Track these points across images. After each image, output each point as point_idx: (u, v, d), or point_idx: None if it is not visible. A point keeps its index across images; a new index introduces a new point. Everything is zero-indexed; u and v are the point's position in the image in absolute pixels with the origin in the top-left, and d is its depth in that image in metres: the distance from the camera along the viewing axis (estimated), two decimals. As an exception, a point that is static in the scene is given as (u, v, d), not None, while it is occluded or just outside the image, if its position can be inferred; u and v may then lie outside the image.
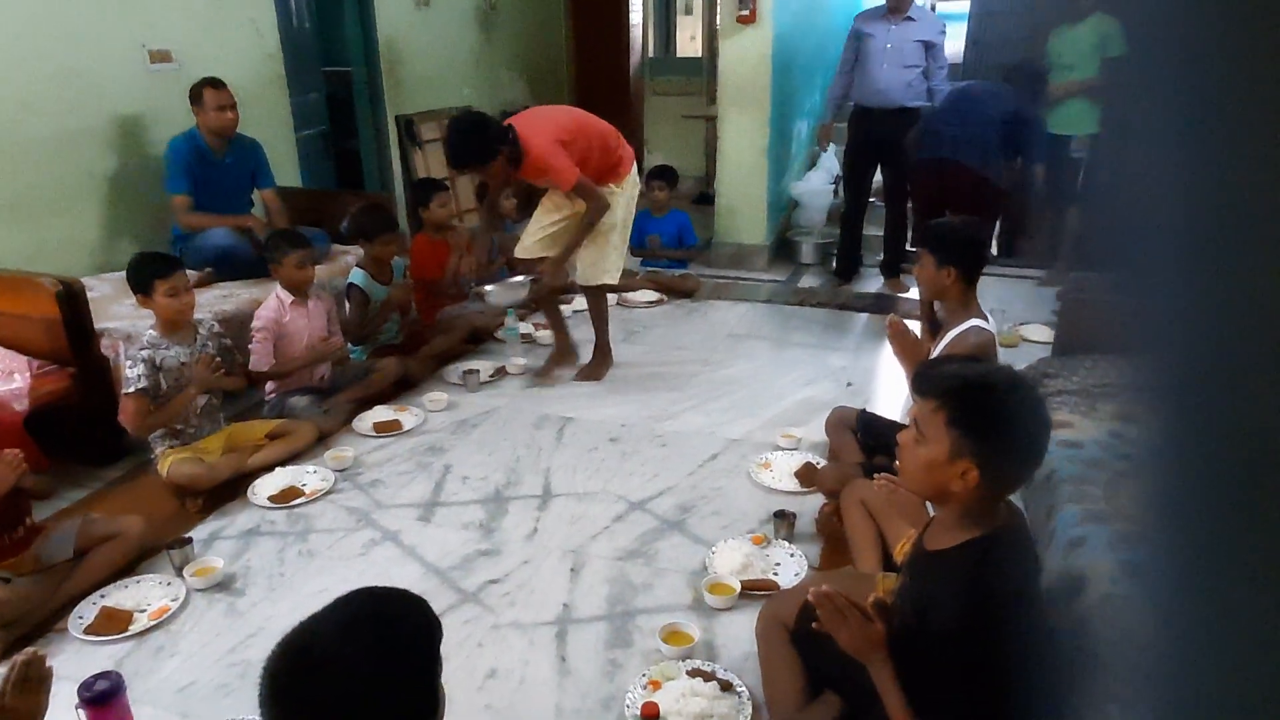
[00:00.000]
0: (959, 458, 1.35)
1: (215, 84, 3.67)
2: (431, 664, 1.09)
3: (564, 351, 3.73)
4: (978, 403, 1.37)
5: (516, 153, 3.06)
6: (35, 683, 1.47)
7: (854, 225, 4.84)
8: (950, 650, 1.36)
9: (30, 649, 1.50)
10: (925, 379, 1.46)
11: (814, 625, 1.46)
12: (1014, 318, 4.14)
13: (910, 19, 4.33)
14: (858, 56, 4.45)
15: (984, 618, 1.33)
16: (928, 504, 2.09)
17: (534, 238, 3.47)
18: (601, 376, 3.62)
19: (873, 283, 4.96)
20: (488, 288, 3.50)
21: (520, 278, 3.60)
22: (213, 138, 3.71)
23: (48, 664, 1.50)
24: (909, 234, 4.66)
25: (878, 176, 4.89)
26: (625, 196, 3.40)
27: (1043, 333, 3.91)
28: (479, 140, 3.03)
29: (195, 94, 3.66)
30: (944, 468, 1.36)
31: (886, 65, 4.36)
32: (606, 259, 3.42)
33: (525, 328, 4.16)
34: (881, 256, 4.86)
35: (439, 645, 1.11)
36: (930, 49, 4.35)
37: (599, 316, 3.65)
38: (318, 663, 1.02)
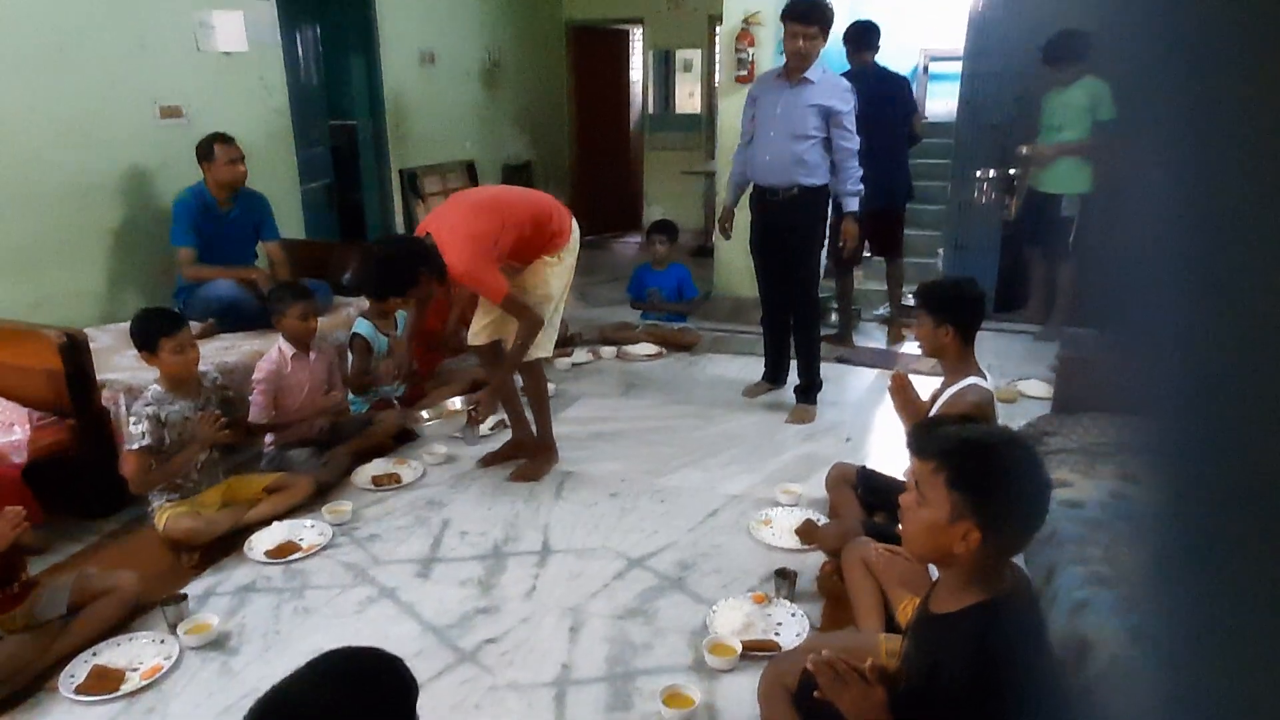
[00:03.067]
0: (960, 519, 1.34)
1: (224, 139, 3.74)
2: None
3: (525, 443, 3.36)
4: (978, 464, 1.37)
5: (439, 266, 2.81)
6: None
7: (776, 324, 3.96)
8: (958, 717, 1.35)
9: None
10: (924, 439, 1.47)
11: (815, 694, 1.45)
12: (1011, 373, 4.16)
13: (808, 81, 3.47)
14: (755, 127, 3.64)
15: (992, 684, 1.31)
16: (930, 568, 2.08)
17: (481, 323, 3.23)
18: (541, 476, 3.23)
19: (868, 338, 4.99)
20: (424, 414, 3.23)
21: (458, 400, 3.35)
22: (220, 191, 3.77)
23: None
24: (819, 347, 3.86)
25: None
26: (564, 266, 3.11)
27: (1041, 388, 3.92)
28: (397, 270, 2.81)
29: (204, 149, 3.72)
30: (946, 530, 1.36)
31: (774, 134, 3.54)
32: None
33: (525, 380, 4.17)
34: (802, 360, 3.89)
35: (415, 704, 1.12)
36: (832, 116, 3.47)
37: (537, 400, 3.31)
38: None
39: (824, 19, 3.41)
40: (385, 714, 1.09)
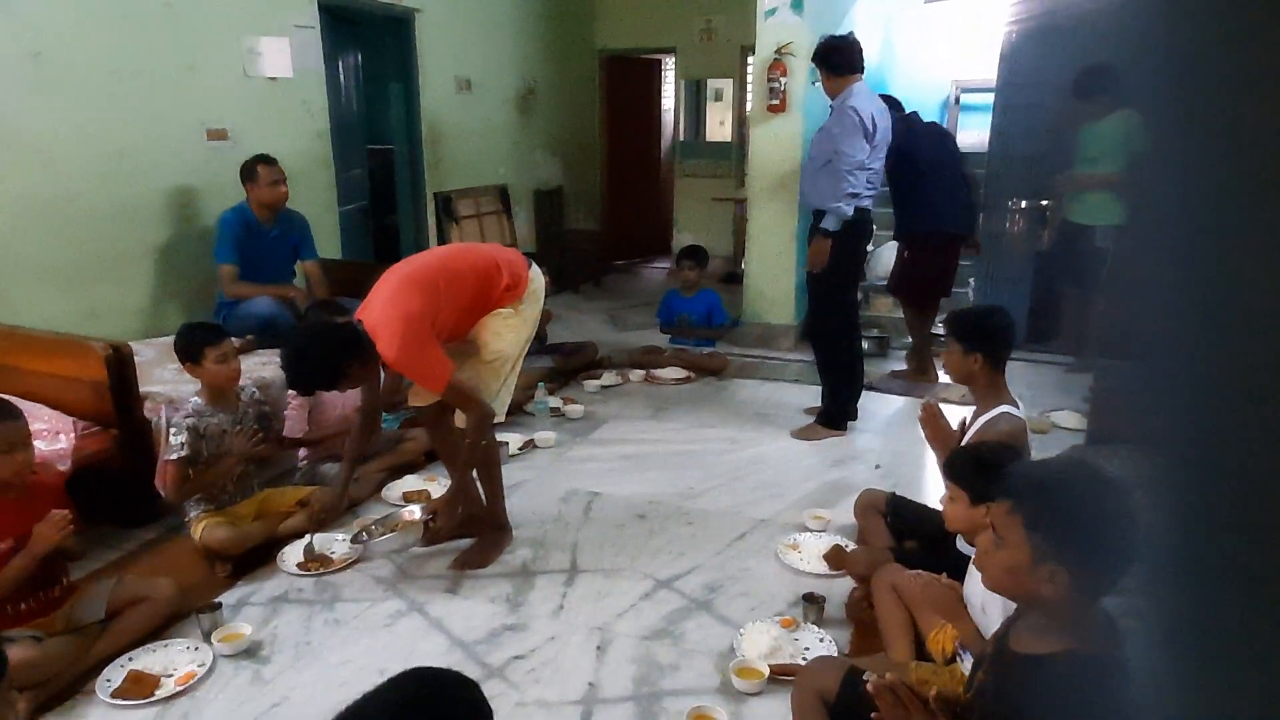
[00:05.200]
0: (1044, 561, 1.27)
1: (268, 160, 3.85)
2: None
3: (475, 519, 2.89)
4: (1055, 504, 1.29)
5: (370, 355, 2.46)
6: None
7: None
8: None
9: None
10: (993, 479, 1.41)
11: (874, 716, 1.40)
12: (1044, 404, 4.12)
13: (831, 108, 3.68)
14: None
15: None
16: (966, 596, 2.06)
17: None
18: (488, 563, 2.79)
19: (900, 363, 4.97)
20: (374, 526, 2.78)
21: (416, 510, 2.83)
22: (262, 211, 3.86)
23: None
24: (835, 372, 3.91)
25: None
26: (520, 319, 2.73)
27: (1075, 419, 3.88)
28: (317, 363, 2.42)
29: (248, 170, 3.83)
30: (1030, 572, 1.29)
31: (808, 157, 3.90)
32: (490, 391, 2.71)
33: (555, 401, 4.21)
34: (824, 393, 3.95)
35: None
36: (824, 133, 3.64)
37: (487, 472, 2.88)
38: None
39: (821, 60, 3.69)
40: None
